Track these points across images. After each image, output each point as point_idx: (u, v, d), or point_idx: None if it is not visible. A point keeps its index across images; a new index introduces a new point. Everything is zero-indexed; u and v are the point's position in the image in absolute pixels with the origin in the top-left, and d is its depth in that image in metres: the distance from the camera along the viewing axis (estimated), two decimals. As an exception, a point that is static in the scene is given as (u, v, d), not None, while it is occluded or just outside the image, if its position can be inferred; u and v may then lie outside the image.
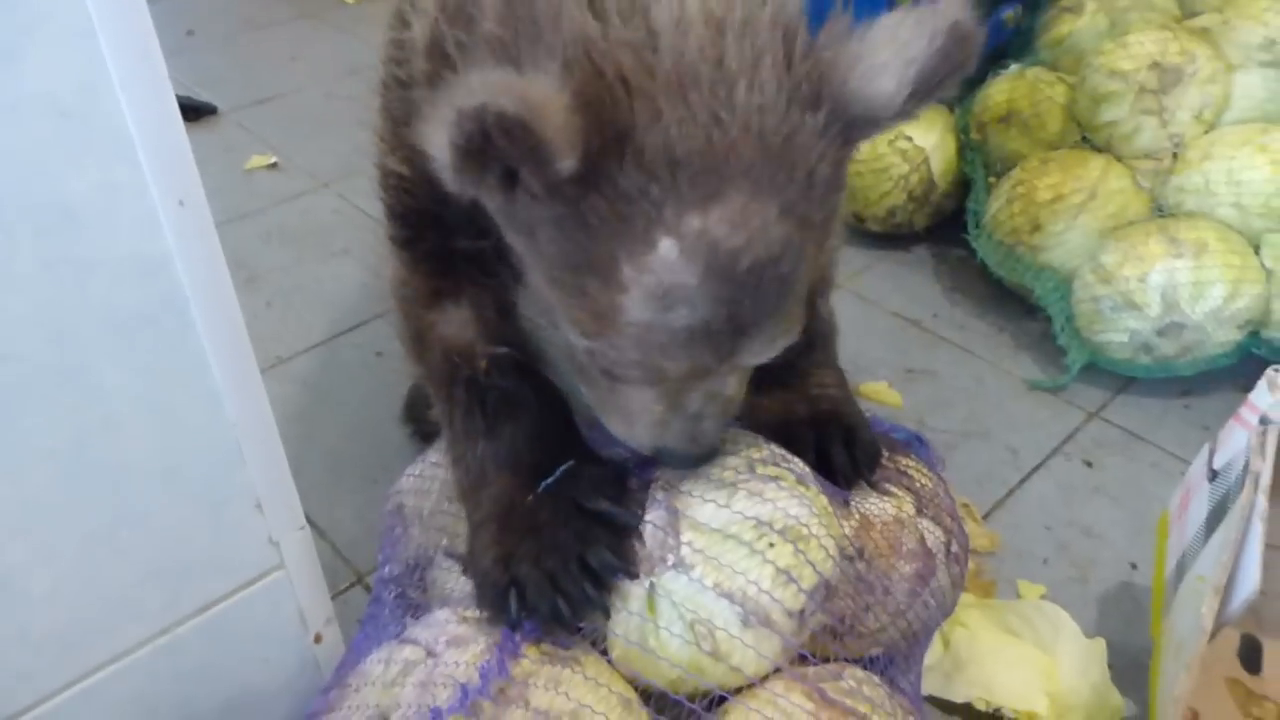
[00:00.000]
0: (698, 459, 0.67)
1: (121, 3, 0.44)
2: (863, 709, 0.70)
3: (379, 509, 0.93)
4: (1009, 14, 1.46)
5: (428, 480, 0.89)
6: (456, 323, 0.74)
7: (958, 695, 0.88)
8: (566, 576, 0.65)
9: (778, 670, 0.72)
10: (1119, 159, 1.28)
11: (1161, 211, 1.24)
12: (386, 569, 0.86)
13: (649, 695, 0.71)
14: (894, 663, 0.82)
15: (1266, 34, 1.27)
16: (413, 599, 0.83)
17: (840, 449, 0.78)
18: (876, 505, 0.78)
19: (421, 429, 1.05)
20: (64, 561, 0.56)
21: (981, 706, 0.87)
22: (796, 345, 0.67)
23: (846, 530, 0.76)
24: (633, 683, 0.71)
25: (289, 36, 2.29)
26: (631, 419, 0.65)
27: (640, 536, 0.69)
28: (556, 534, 0.67)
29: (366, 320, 1.38)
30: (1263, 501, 0.72)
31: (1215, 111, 1.26)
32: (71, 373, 0.51)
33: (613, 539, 0.67)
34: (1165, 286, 1.14)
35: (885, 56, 0.54)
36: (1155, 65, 1.25)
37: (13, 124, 0.44)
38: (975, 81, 1.43)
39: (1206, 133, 1.25)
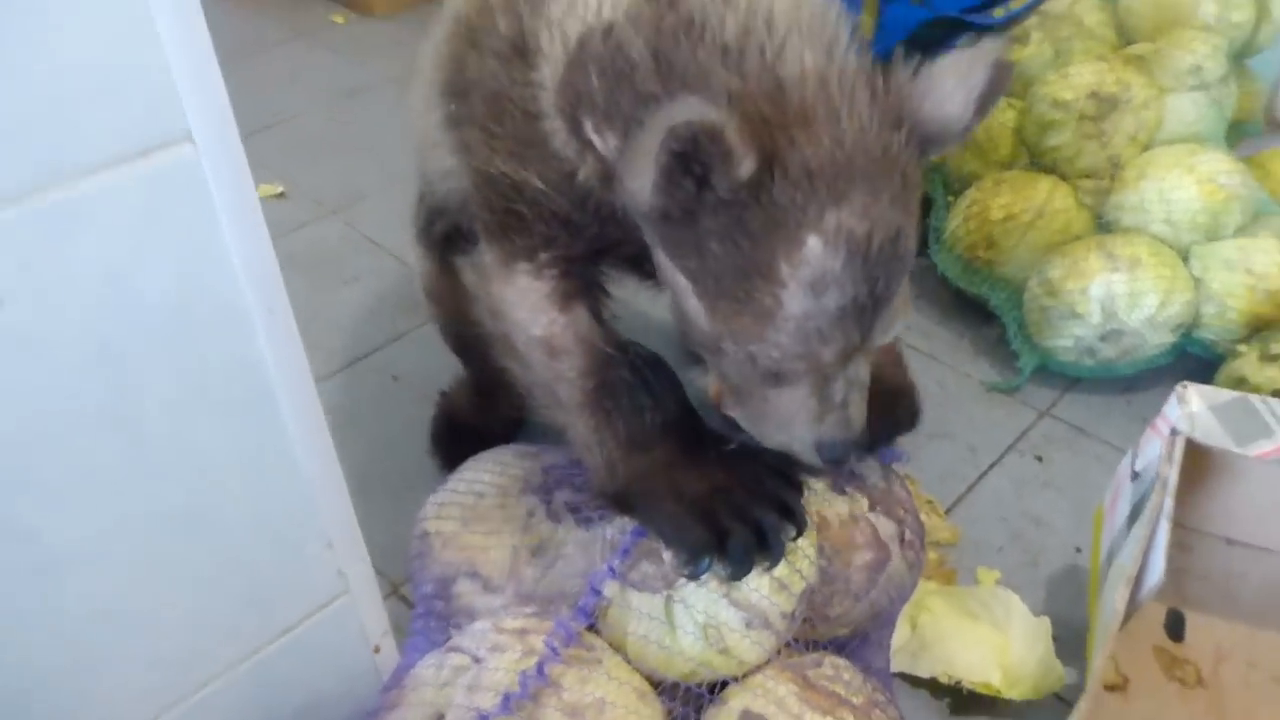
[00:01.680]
0: (854, 445, 0.77)
1: (235, 167, 0.56)
2: (839, 690, 0.83)
3: (407, 524, 1.06)
4: (964, 41, 1.57)
5: (449, 508, 1.01)
6: (588, 323, 0.85)
7: (923, 671, 1.01)
8: (765, 514, 0.79)
9: (769, 660, 0.86)
10: (1064, 179, 1.41)
11: (1103, 227, 1.37)
12: (421, 588, 0.98)
13: (660, 687, 0.85)
14: (865, 646, 0.95)
15: (1194, 60, 1.39)
16: (442, 613, 0.95)
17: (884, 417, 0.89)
18: (832, 506, 0.91)
19: (450, 458, 1.14)
20: (183, 598, 0.68)
21: (945, 680, 0.99)
22: None
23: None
24: (648, 677, 0.85)
25: (285, 59, 2.33)
26: (789, 422, 0.75)
27: (663, 557, 0.82)
28: (748, 483, 0.81)
29: (381, 346, 1.48)
30: (1169, 503, 0.85)
31: (1150, 133, 1.38)
32: (189, 448, 0.63)
33: (791, 490, 0.82)
34: (1104, 298, 1.27)
35: (951, 87, 0.68)
36: (1094, 94, 1.37)
37: (156, 264, 0.56)
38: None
39: (1143, 153, 1.38)
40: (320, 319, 1.53)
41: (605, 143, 0.72)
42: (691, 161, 0.62)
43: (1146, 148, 1.38)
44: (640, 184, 0.64)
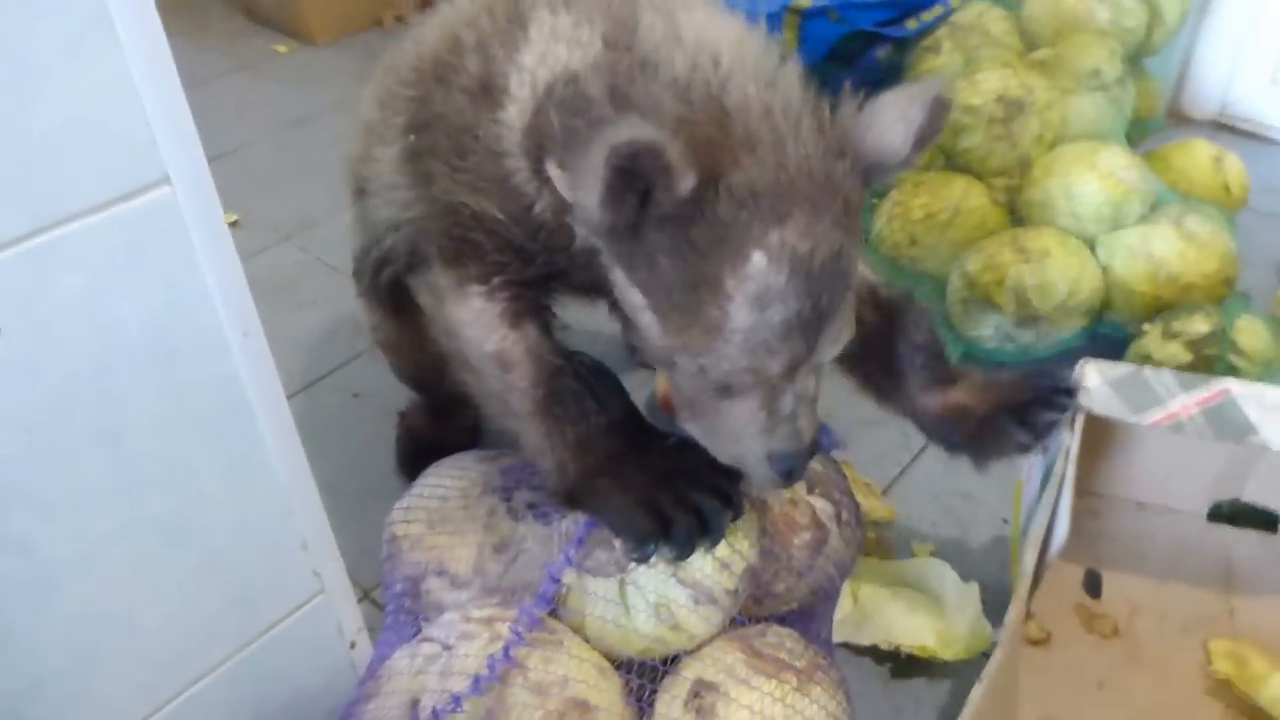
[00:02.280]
0: (804, 455, 0.80)
1: (209, 205, 0.62)
2: (784, 657, 0.90)
3: (374, 533, 1.11)
4: (881, 53, 1.67)
5: (414, 512, 1.07)
6: (536, 337, 0.90)
7: (865, 640, 1.08)
8: (704, 500, 0.84)
9: (719, 633, 0.93)
10: (978, 179, 1.50)
11: (1015, 221, 1.47)
12: (391, 588, 1.04)
13: (618, 663, 0.92)
14: (808, 618, 1.02)
15: (1093, 64, 1.50)
16: (412, 609, 1.01)
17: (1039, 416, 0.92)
18: (774, 492, 0.98)
19: (417, 474, 1.17)
20: (168, 602, 0.73)
21: (885, 647, 1.06)
22: (932, 346, 0.93)
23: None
24: (606, 655, 0.92)
25: (230, 90, 2.37)
26: (739, 434, 0.79)
27: (615, 544, 0.89)
28: (688, 474, 0.86)
29: (341, 365, 1.54)
30: (1071, 470, 0.93)
31: (1055, 133, 1.48)
32: (173, 460, 0.69)
33: (726, 479, 0.87)
34: (1017, 288, 1.36)
35: (892, 121, 0.74)
36: (1001, 99, 1.47)
37: (140, 297, 0.62)
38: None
39: (1049, 152, 1.48)
40: (280, 341, 1.54)
41: (562, 181, 0.77)
42: (634, 177, 0.66)
43: (1052, 147, 1.48)
44: (588, 199, 0.68)
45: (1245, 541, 0.99)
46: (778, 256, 0.69)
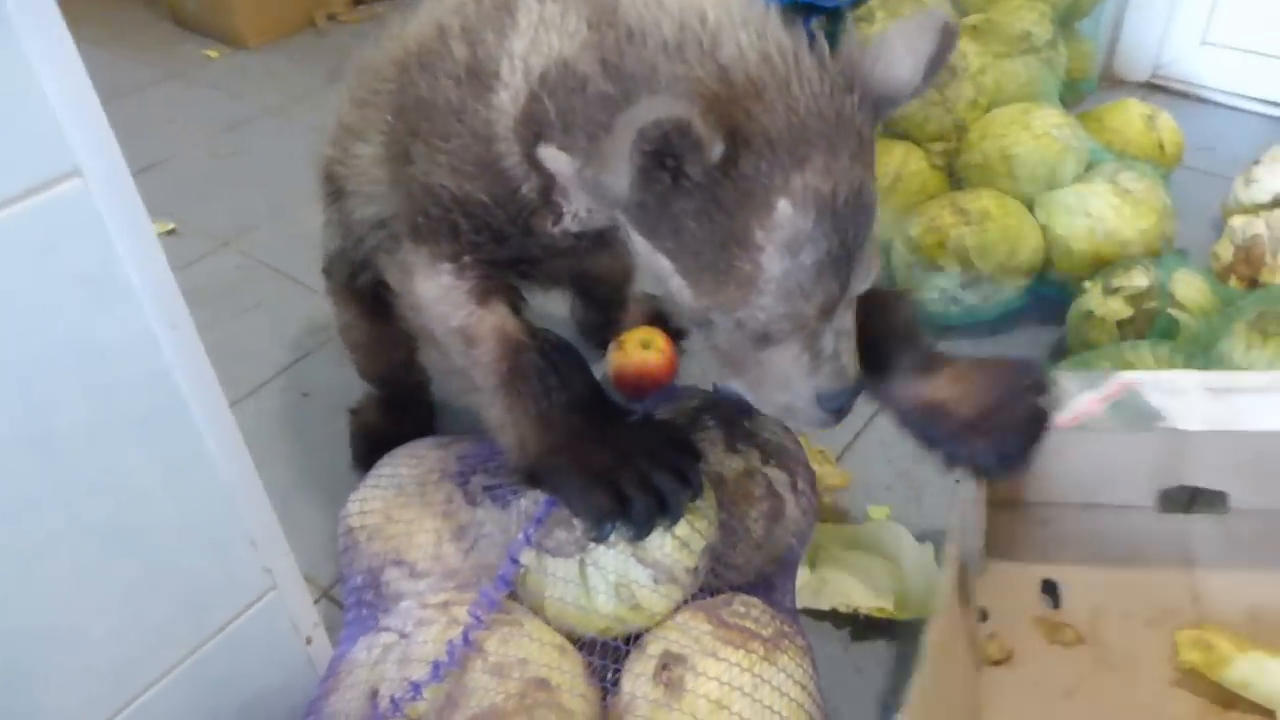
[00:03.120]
0: (852, 392, 0.81)
1: (125, 196, 0.61)
2: (750, 626, 0.90)
3: (330, 531, 1.10)
4: (816, 23, 1.68)
5: (370, 502, 1.06)
6: (503, 314, 0.90)
7: (824, 604, 1.08)
8: (662, 479, 0.84)
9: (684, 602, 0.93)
10: (916, 144, 1.51)
11: (955, 184, 1.49)
12: (350, 581, 1.03)
13: (578, 643, 0.92)
14: (771, 587, 1.03)
15: (1023, 27, 1.52)
16: (373, 602, 1.00)
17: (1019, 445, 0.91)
18: (728, 463, 0.99)
19: (370, 465, 1.17)
20: (113, 607, 0.72)
21: (844, 610, 1.06)
22: (914, 337, 0.93)
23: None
24: (567, 635, 0.92)
25: (160, 100, 2.33)
26: (786, 381, 0.79)
27: (575, 524, 0.89)
28: (647, 453, 0.87)
29: (288, 366, 1.52)
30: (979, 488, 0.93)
31: (989, 97, 1.50)
32: (107, 462, 0.67)
33: (685, 459, 0.88)
34: (959, 250, 1.38)
35: (901, 52, 0.73)
36: (933, 64, 1.48)
37: (57, 294, 0.60)
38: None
39: (984, 115, 1.49)
40: (225, 347, 1.54)
41: (564, 162, 0.78)
42: (665, 156, 0.66)
43: (987, 110, 1.50)
44: (617, 182, 0.68)
45: (1199, 526, 0.99)
46: (803, 201, 0.69)
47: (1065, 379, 1.00)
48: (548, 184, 0.82)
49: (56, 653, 0.70)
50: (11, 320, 0.60)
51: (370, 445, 1.27)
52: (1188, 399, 0.97)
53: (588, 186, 0.78)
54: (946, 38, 0.73)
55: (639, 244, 0.78)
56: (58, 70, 0.57)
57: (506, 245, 0.87)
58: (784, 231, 0.69)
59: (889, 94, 0.74)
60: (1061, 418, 0.95)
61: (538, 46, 0.79)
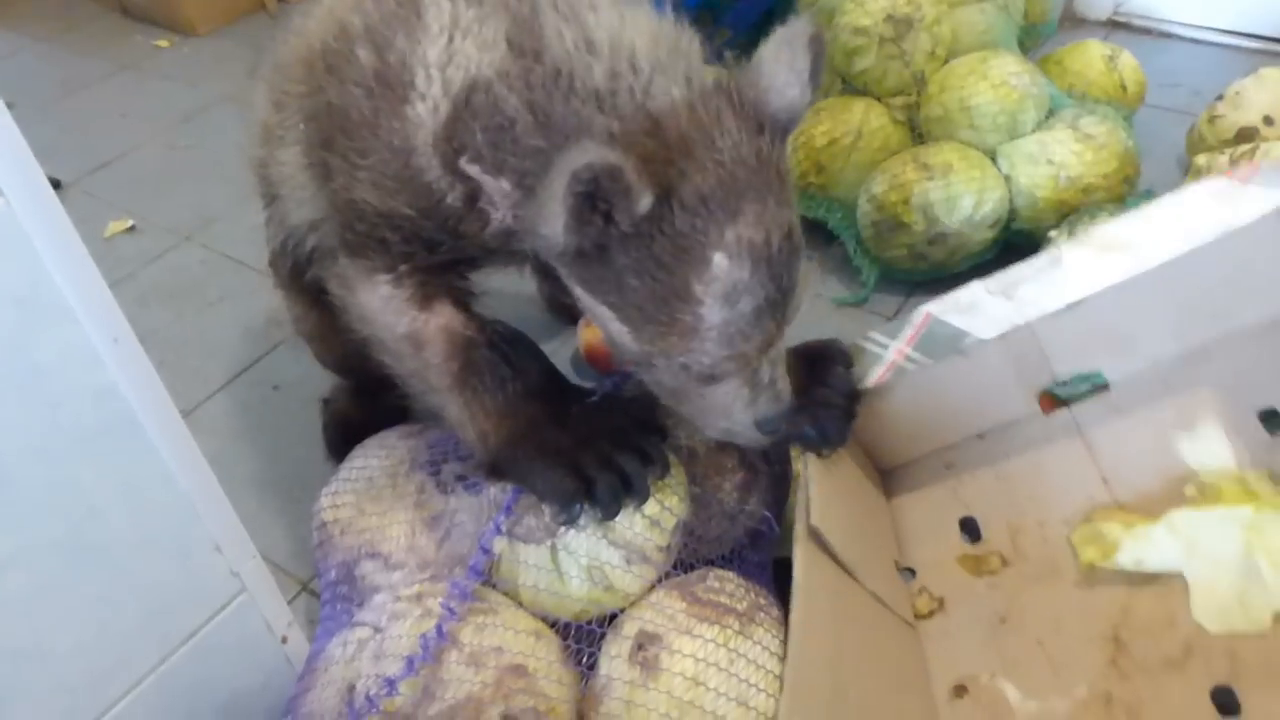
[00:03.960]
0: (786, 413, 0.84)
1: (50, 214, 0.59)
2: (725, 601, 0.90)
3: (306, 524, 1.10)
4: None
5: (342, 495, 1.06)
6: (449, 314, 0.90)
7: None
8: (626, 461, 0.85)
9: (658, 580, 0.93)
10: (877, 100, 1.50)
11: (917, 139, 1.47)
12: (325, 576, 1.03)
13: (556, 627, 0.92)
14: (745, 559, 1.03)
15: (976, -27, 1.50)
16: (349, 595, 1.00)
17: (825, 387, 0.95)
18: (700, 438, 0.98)
19: (343, 455, 1.17)
20: (77, 624, 0.71)
21: None
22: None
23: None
24: (543, 620, 0.92)
25: (113, 93, 2.29)
26: (727, 410, 0.82)
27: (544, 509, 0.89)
28: (609, 435, 0.88)
29: (257, 359, 1.50)
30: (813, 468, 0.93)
31: (946, 47, 1.48)
32: (58, 481, 0.67)
33: (650, 435, 0.89)
34: (924, 205, 1.37)
35: (784, 74, 0.74)
36: (890, 18, 1.46)
37: (-11, 317, 0.59)
38: (749, 47, 1.62)
39: (942, 67, 1.48)
40: (193, 343, 1.54)
41: (489, 181, 0.78)
42: (596, 200, 0.67)
43: (946, 61, 1.48)
44: (552, 228, 0.69)
45: (1087, 411, 0.99)
46: (738, 253, 0.71)
47: (876, 336, 1.02)
48: (473, 192, 0.80)
49: (22, 672, 0.70)
50: (-56, 346, 0.59)
51: (344, 434, 1.26)
52: (981, 309, 0.99)
53: (526, 231, 0.77)
54: (817, 47, 0.74)
55: (579, 294, 0.79)
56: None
57: (439, 251, 0.87)
58: (721, 284, 0.72)
59: (787, 120, 0.76)
60: (880, 370, 0.99)
61: (454, 57, 0.77)
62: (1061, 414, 0.99)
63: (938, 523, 1.00)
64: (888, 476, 1.07)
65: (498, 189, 0.78)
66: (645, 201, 0.68)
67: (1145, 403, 0.96)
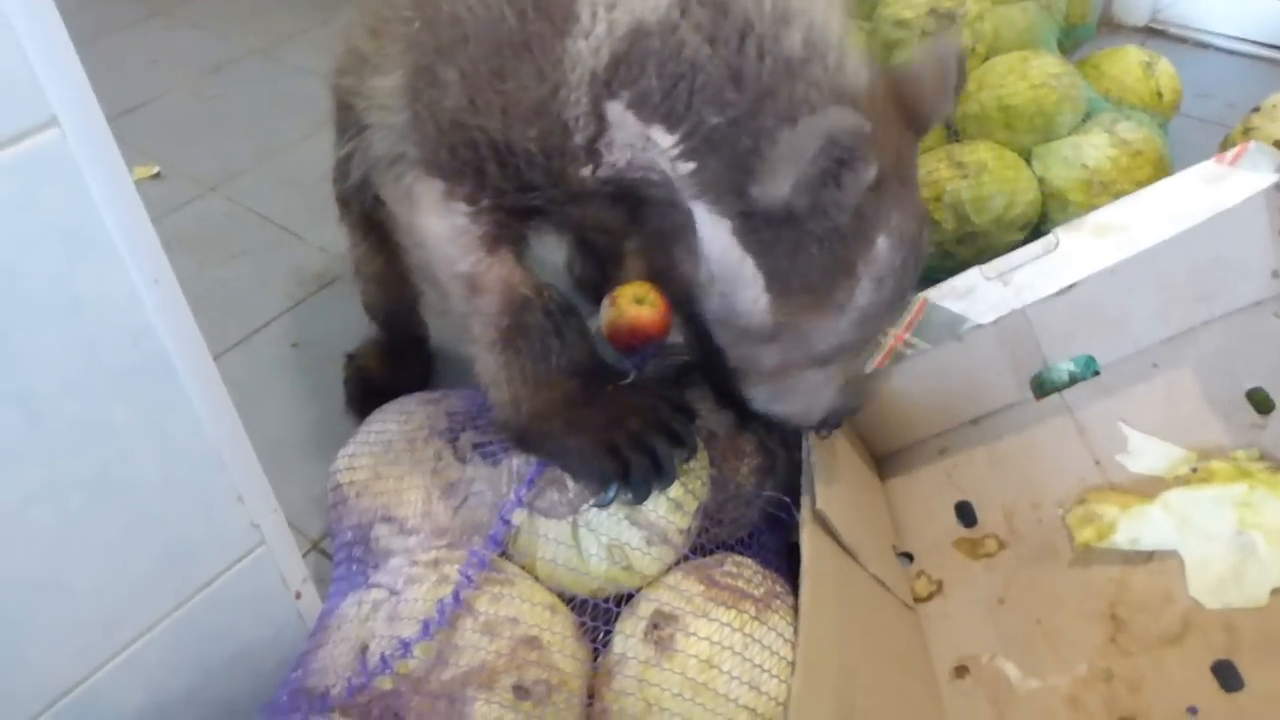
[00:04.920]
0: (857, 409, 0.86)
1: (103, 147, 0.59)
2: (742, 585, 0.90)
3: (320, 483, 1.10)
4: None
5: (359, 458, 1.05)
6: (511, 265, 0.87)
7: None
8: (658, 442, 0.85)
9: (676, 563, 0.93)
10: (913, 94, 1.49)
11: (952, 136, 1.46)
12: (339, 537, 1.03)
13: (571, 603, 0.92)
14: (763, 544, 1.03)
15: (1022, -29, 1.48)
16: (362, 558, 1.00)
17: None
18: (719, 420, 0.98)
19: (364, 411, 1.16)
20: (98, 562, 0.71)
21: None
22: None
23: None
24: (559, 595, 0.92)
25: (144, 38, 2.28)
26: (812, 394, 0.83)
27: (567, 484, 0.89)
28: (643, 415, 0.87)
29: (277, 316, 1.50)
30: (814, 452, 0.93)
31: (986, 44, 1.47)
32: (90, 418, 0.66)
33: (681, 417, 0.88)
34: (955, 203, 1.36)
35: (933, 85, 0.77)
36: (932, 11, 1.45)
37: (35, 247, 0.59)
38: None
39: (981, 64, 1.47)
40: (212, 295, 1.54)
41: (637, 128, 0.76)
42: (839, 165, 0.67)
43: (985, 59, 1.47)
44: (777, 185, 0.69)
45: (1080, 396, 1.00)
46: (896, 239, 0.73)
47: None
48: (598, 133, 0.78)
49: (41, 605, 0.70)
50: (-11, 275, 0.58)
51: (365, 392, 1.27)
52: (978, 294, 1.00)
53: (692, 190, 0.77)
54: (960, 62, 0.78)
55: (723, 253, 0.78)
56: (33, 16, 0.55)
57: (531, 194, 0.83)
58: (878, 267, 0.74)
59: (926, 126, 0.79)
60: (878, 356, 1.00)
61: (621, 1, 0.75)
62: (1053, 398, 1.00)
63: (933, 507, 1.01)
64: (882, 462, 1.07)
65: (640, 136, 0.76)
66: (872, 173, 0.69)
67: (1135, 384, 0.98)
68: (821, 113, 0.69)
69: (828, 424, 0.87)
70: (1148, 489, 0.91)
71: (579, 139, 0.79)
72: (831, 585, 0.84)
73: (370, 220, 1.12)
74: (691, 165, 0.76)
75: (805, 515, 0.87)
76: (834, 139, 0.66)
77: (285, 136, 1.90)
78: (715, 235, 0.78)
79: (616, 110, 0.76)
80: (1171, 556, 0.87)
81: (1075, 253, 0.97)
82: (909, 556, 0.99)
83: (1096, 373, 0.99)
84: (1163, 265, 0.93)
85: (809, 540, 0.85)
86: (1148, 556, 0.88)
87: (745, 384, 0.87)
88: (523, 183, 0.82)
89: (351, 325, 1.40)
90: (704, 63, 0.73)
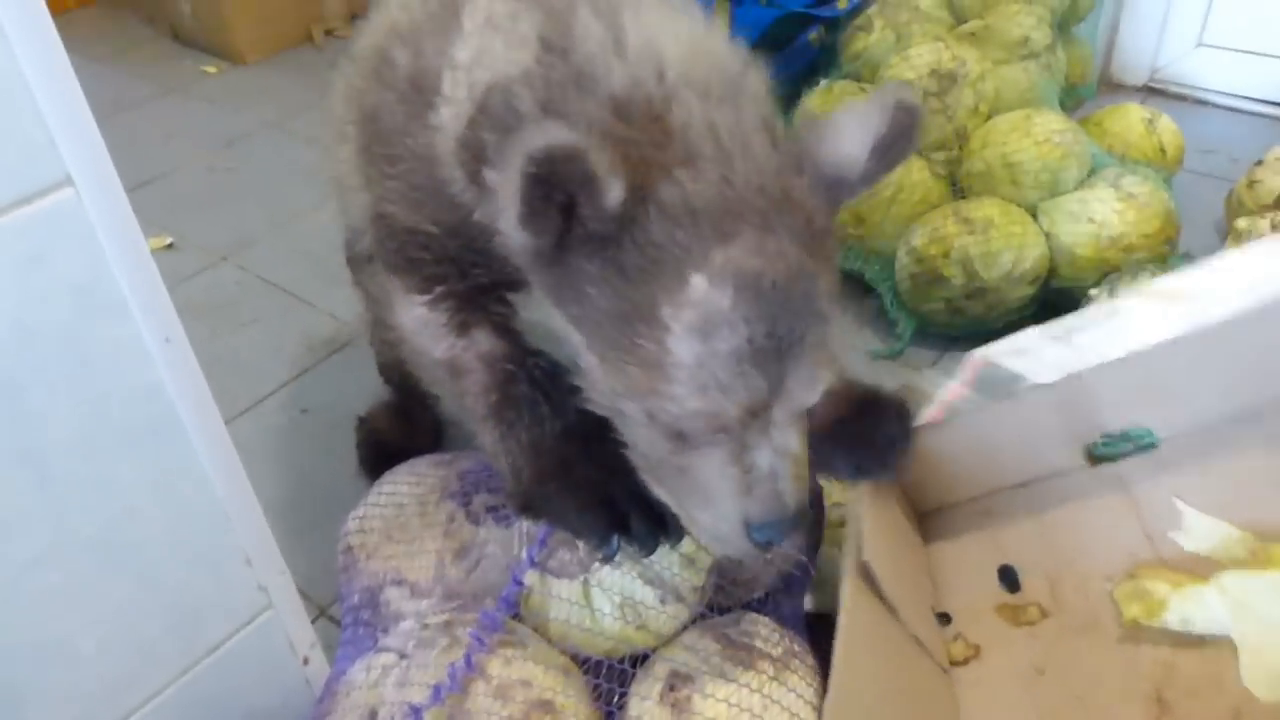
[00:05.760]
0: (788, 524, 0.69)
1: (116, 206, 0.59)
2: (759, 645, 0.88)
3: (329, 548, 1.08)
4: (813, 35, 1.67)
5: (370, 520, 1.04)
6: (487, 343, 0.86)
7: (823, 607, 1.06)
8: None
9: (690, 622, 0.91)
10: (918, 154, 1.51)
11: (957, 193, 1.48)
12: (348, 600, 1.01)
13: (583, 665, 0.90)
14: (779, 604, 1.01)
15: (1022, 32, 1.51)
16: (371, 621, 0.99)
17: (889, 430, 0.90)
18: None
19: (376, 473, 1.14)
20: (104, 625, 0.70)
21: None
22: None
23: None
24: (572, 656, 0.90)
25: (158, 115, 2.33)
26: (708, 495, 0.69)
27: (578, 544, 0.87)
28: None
29: (286, 382, 1.50)
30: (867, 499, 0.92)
31: (989, 103, 1.49)
32: (98, 477, 0.66)
33: None
34: (963, 259, 1.37)
35: (849, 131, 0.66)
36: (934, 72, 1.47)
37: (48, 304, 0.59)
38: (793, 98, 1.64)
39: (984, 122, 1.49)
40: (223, 362, 1.54)
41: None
42: (552, 188, 0.59)
43: (988, 117, 1.49)
44: (508, 220, 0.61)
45: (1135, 468, 0.97)
46: (721, 278, 0.61)
47: (928, 374, 1.00)
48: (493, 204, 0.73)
49: (46, 668, 0.69)
50: (2, 331, 0.58)
51: (378, 455, 1.26)
52: (1037, 354, 0.96)
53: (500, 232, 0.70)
54: (902, 114, 0.65)
55: (552, 313, 0.70)
56: (50, 80, 0.57)
57: (472, 275, 0.82)
58: (695, 311, 0.61)
59: (838, 175, 0.67)
60: (931, 411, 0.96)
61: (482, 57, 0.72)
62: (1107, 467, 0.97)
63: (975, 569, 0.98)
64: (923, 519, 1.05)
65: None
66: (614, 195, 0.60)
67: (1194, 460, 0.94)
68: (522, 131, 0.61)
69: (764, 546, 0.71)
70: (1201, 569, 0.87)
71: (479, 215, 0.74)
72: (867, 640, 0.81)
73: (362, 281, 1.14)
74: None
75: (849, 565, 0.84)
76: (530, 157, 0.56)
77: (296, 206, 1.93)
78: (539, 289, 0.71)
79: (493, 178, 0.69)
80: (1224, 642, 0.83)
81: (1141, 319, 0.93)
82: (946, 617, 0.96)
83: (1154, 445, 0.97)
84: (1232, 339, 0.88)
85: (850, 591, 0.81)
86: (1199, 640, 0.85)
87: (651, 486, 0.76)
88: (457, 266, 0.81)
89: (361, 390, 1.41)
90: (529, 112, 0.68)
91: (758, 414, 0.65)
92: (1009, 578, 0.96)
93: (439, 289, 0.84)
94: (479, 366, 0.87)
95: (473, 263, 0.81)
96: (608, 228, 0.61)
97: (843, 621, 0.79)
